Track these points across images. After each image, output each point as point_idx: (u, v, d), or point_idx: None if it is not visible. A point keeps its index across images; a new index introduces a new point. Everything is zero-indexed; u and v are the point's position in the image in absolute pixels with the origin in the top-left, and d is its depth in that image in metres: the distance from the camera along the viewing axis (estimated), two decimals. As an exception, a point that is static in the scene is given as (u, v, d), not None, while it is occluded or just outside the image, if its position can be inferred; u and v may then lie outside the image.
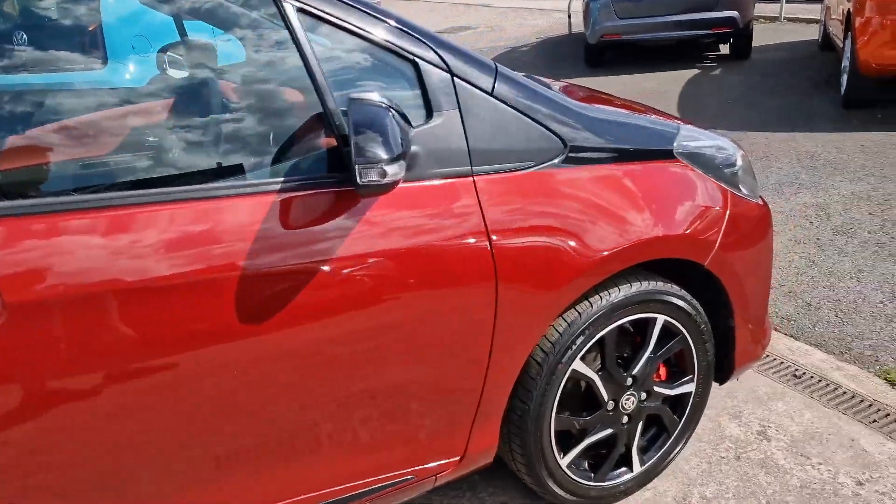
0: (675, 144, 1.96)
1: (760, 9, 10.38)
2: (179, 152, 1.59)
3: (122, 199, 1.33)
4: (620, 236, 1.78)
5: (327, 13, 1.51)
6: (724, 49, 9.42)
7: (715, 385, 2.45)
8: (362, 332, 1.54)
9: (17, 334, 1.23)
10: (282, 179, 1.45)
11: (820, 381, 2.69)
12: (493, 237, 1.63)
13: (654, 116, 2.12)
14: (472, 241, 1.61)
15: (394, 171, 1.33)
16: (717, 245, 1.98)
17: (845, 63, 6.22)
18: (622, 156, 1.85)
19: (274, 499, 1.62)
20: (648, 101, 7.14)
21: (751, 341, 2.21)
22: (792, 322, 3.12)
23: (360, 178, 1.31)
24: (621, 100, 2.42)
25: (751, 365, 2.30)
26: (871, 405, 2.54)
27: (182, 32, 2.21)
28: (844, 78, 6.24)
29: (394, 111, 1.41)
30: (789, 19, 11.21)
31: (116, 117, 1.71)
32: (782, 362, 2.82)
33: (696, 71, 8.42)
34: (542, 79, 2.59)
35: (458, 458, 1.83)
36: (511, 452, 1.96)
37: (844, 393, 2.62)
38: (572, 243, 1.72)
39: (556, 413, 1.93)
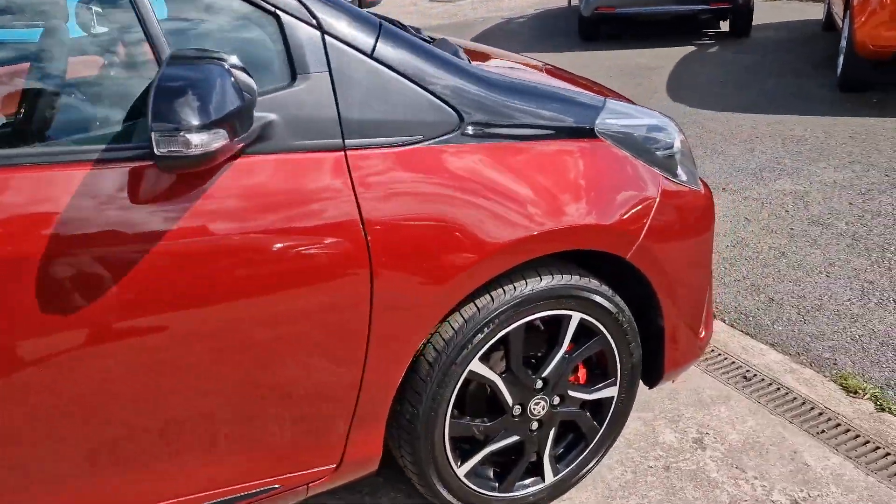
0: (597, 122, 1.73)
1: (765, -14, 10.03)
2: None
3: None
4: (522, 225, 1.57)
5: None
6: (725, 26, 9.09)
7: (658, 386, 2.26)
8: (199, 330, 1.34)
9: None
10: (102, 147, 1.24)
11: (771, 384, 2.49)
12: (368, 221, 1.42)
13: (579, 90, 1.88)
14: (341, 224, 1.40)
15: (202, 140, 1.11)
16: (641, 236, 1.76)
17: (843, 44, 5.93)
18: (530, 133, 1.63)
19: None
20: (636, 78, 6.92)
21: (684, 343, 2.01)
22: (750, 319, 2.91)
23: (158, 147, 1.09)
24: (550, 69, 2.18)
25: (685, 367, 2.10)
26: (821, 413, 2.34)
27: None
28: (841, 59, 5.96)
29: (232, 70, 1.20)
30: (795, -2, 10.86)
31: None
32: (733, 362, 2.62)
33: (692, 48, 8.12)
34: (481, 46, 2.36)
35: (333, 467, 1.63)
36: (402, 459, 1.77)
37: (795, 399, 2.41)
38: (464, 231, 1.51)
39: (453, 417, 1.73)
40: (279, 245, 1.35)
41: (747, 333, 2.82)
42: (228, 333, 1.37)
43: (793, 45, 7.89)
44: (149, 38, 1.25)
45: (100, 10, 1.67)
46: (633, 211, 1.74)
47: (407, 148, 1.48)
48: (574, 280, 1.74)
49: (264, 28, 1.38)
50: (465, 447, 1.84)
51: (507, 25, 10.68)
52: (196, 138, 1.09)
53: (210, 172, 1.28)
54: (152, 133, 1.08)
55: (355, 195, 1.42)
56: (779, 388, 2.47)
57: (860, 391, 2.43)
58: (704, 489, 2.03)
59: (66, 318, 1.22)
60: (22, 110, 1.44)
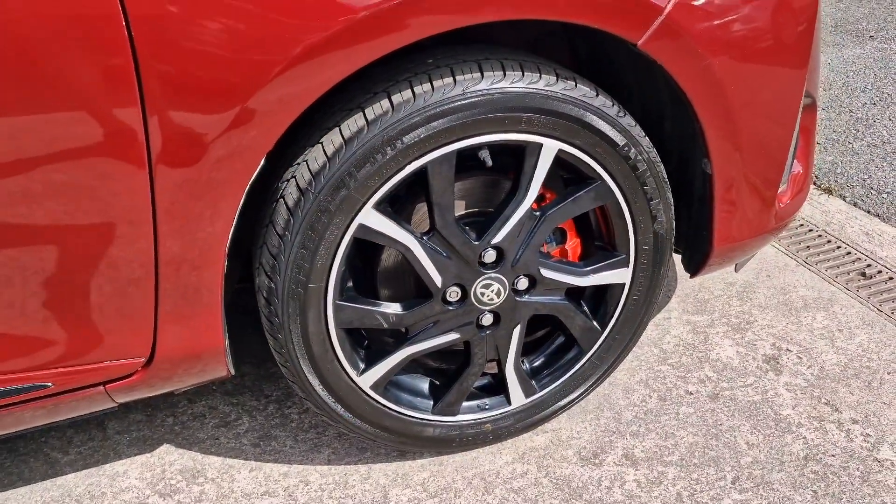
0: None
1: None
2: None
3: None
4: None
5: None
6: None
7: (716, 277, 1.56)
8: None
9: None
10: None
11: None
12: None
13: None
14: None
15: None
16: (668, 6, 1.00)
17: None
18: None
19: None
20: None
21: (750, 206, 1.25)
22: (884, 196, 2.05)
23: None
24: None
25: (752, 247, 1.34)
26: (979, 332, 1.53)
27: None
28: None
29: None
30: None
31: None
32: (850, 252, 1.81)
33: None
34: None
35: (142, 360, 1.06)
36: (276, 358, 1.16)
37: (935, 307, 1.60)
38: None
39: (341, 299, 1.10)
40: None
41: (876, 215, 1.98)
42: None
43: None
44: None
45: None
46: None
47: None
48: (545, 83, 1.03)
49: None
50: (388, 345, 1.22)
51: None
52: None
53: None
54: None
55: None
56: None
57: None
58: (767, 432, 1.31)
59: None
60: None
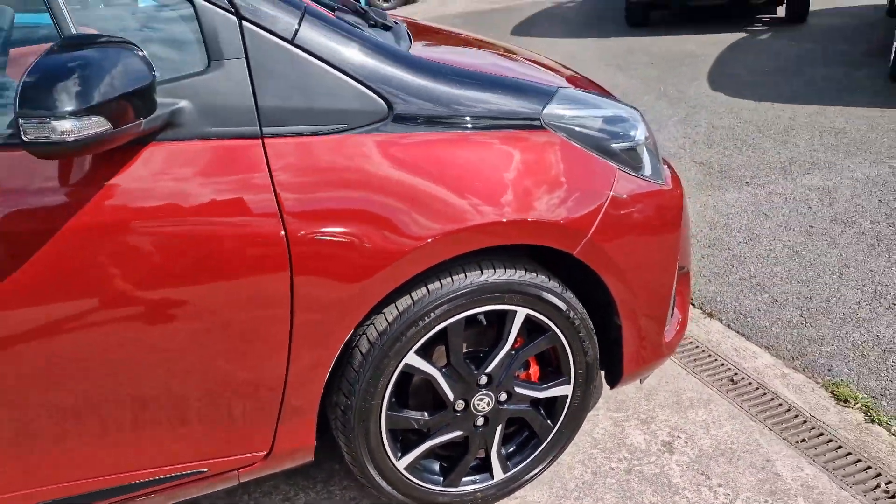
0: (544, 111, 1.67)
1: (828, -31, 9.55)
2: None
3: None
4: (453, 218, 1.53)
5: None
6: (781, 11, 8.71)
7: (638, 383, 2.21)
8: (114, 317, 1.35)
9: None
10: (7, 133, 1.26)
11: (757, 388, 2.39)
12: (287, 212, 1.41)
13: (531, 78, 1.82)
14: (258, 215, 1.39)
15: (74, 127, 1.10)
16: (591, 232, 1.70)
17: (897, 31, 5.62)
18: (467, 122, 1.58)
19: (50, 480, 1.47)
20: (679, 65, 6.70)
21: (646, 342, 1.93)
22: (748, 319, 2.80)
23: (25, 134, 1.09)
24: (511, 54, 2.12)
25: (650, 368, 2.02)
26: (805, 421, 2.24)
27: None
28: (894, 47, 5.64)
29: (126, 55, 1.20)
30: (862, -18, 10.30)
31: None
32: (723, 364, 2.52)
33: (743, 35, 7.81)
34: (447, 29, 2.32)
35: (263, 454, 1.64)
36: (342, 449, 1.76)
37: (780, 405, 2.31)
38: (388, 224, 1.48)
39: (392, 410, 1.71)
40: (192, 235, 1.35)
41: (742, 335, 2.71)
42: (145, 321, 1.38)
43: (851, 33, 7.51)
44: (55, 20, 1.25)
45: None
46: (581, 205, 1.68)
47: (330, 136, 1.45)
48: (518, 275, 1.70)
49: (178, 12, 1.38)
50: (412, 439, 1.82)
51: (557, 10, 10.50)
52: (65, 125, 1.09)
53: (109, 159, 1.28)
54: (18, 119, 1.09)
55: (273, 184, 1.40)
56: (765, 393, 2.37)
57: (851, 400, 2.31)
58: (664, 494, 1.96)
59: None
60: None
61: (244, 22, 1.39)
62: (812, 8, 8.40)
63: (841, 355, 2.55)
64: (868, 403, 2.29)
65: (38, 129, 1.08)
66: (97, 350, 1.37)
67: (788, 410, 2.29)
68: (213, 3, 1.37)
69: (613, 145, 1.77)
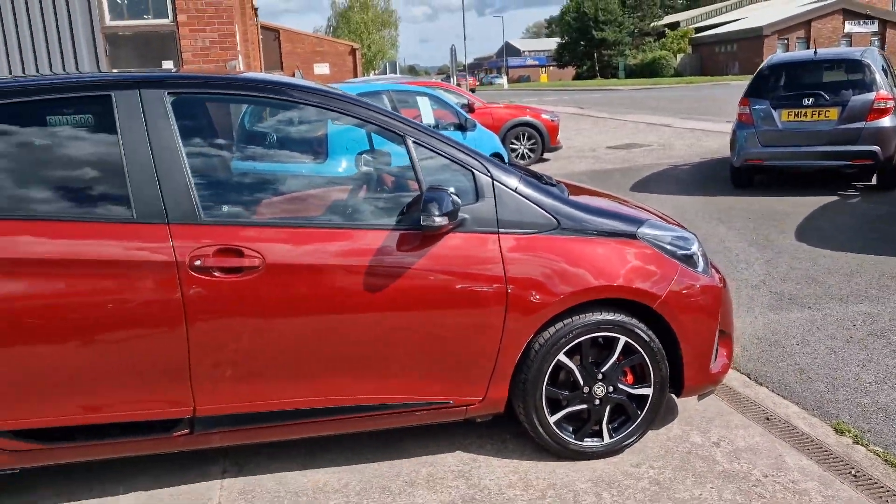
0: (637, 230, 3.19)
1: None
2: (346, 212, 3.17)
3: (329, 223, 2.93)
4: (583, 281, 3.03)
5: (429, 146, 2.98)
6: (875, 179, 9.89)
7: (699, 412, 3.51)
8: (417, 319, 2.94)
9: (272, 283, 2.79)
10: (394, 222, 2.92)
11: (783, 423, 3.62)
12: (508, 274, 2.98)
13: (634, 212, 3.35)
14: (493, 275, 2.96)
15: (441, 221, 2.74)
16: (663, 296, 3.14)
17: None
18: (595, 233, 3.12)
19: (358, 392, 3.00)
20: (772, 220, 8.05)
21: (698, 370, 3.29)
22: (786, 387, 4.03)
23: (422, 221, 2.74)
24: (624, 200, 3.67)
25: (703, 388, 3.36)
26: (811, 440, 3.44)
27: (371, 144, 3.83)
28: (956, 212, 6.74)
29: (450, 193, 2.84)
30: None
31: (329, 190, 3.34)
32: (763, 409, 3.77)
33: (834, 198, 9.05)
34: (584, 186, 3.91)
35: (480, 399, 3.11)
36: (519, 407, 3.19)
37: (795, 430, 3.53)
38: (553, 282, 3.01)
39: (548, 385, 3.15)
40: (462, 279, 2.94)
41: (780, 395, 3.95)
42: (433, 322, 2.95)
43: (935, 199, 8.59)
44: (416, 175, 2.93)
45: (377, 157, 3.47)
46: (657, 282, 3.14)
47: (529, 235, 3.03)
48: (621, 317, 3.15)
49: (466, 175, 3.03)
50: (559, 406, 3.23)
51: (671, 171, 12.10)
52: (438, 220, 2.73)
53: (439, 237, 2.91)
54: (421, 216, 2.74)
55: (503, 259, 2.98)
56: (787, 425, 3.59)
57: (847, 432, 3.50)
58: (708, 464, 3.23)
59: (377, 303, 2.87)
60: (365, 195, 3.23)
61: (494, 181, 3.03)
62: (902, 177, 9.54)
63: (847, 409, 3.74)
64: (857, 434, 3.47)
65: (428, 219, 2.73)
66: (420, 330, 2.94)
67: (801, 434, 3.50)
68: (481, 172, 3.02)
69: (678, 252, 3.25)
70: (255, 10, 26.63)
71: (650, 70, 63.59)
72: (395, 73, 43.24)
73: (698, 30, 68.87)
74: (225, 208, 2.95)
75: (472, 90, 35.24)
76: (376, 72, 57.49)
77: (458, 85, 33.88)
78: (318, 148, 5.91)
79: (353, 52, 37.94)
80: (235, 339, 2.80)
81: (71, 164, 2.80)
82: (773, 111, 9.46)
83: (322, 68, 35.37)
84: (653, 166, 12.66)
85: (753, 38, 55.43)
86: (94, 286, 2.67)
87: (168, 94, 2.83)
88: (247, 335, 2.80)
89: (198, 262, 2.72)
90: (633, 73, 66.73)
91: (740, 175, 10.07)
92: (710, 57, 62.72)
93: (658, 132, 17.87)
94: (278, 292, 2.79)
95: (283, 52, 35.37)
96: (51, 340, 2.66)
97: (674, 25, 74.58)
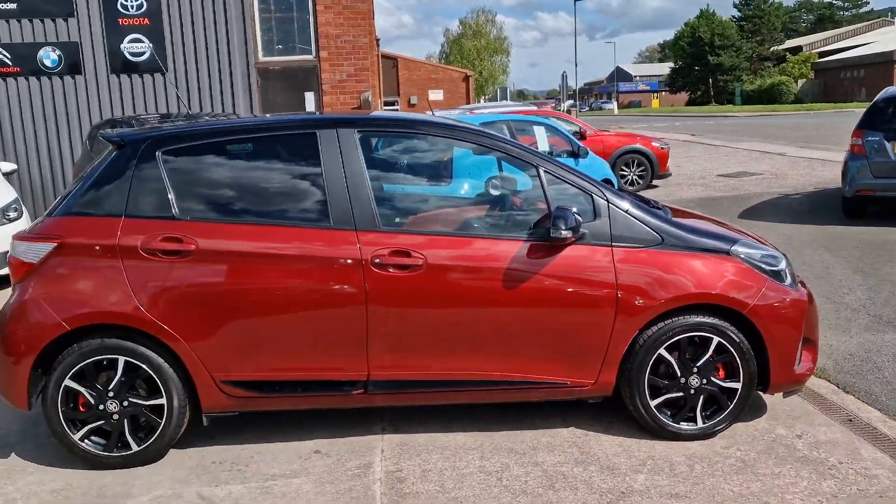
0: (730, 248, 3.79)
1: None
2: (483, 225, 3.95)
3: (467, 233, 3.71)
4: (688, 288, 3.67)
5: (556, 174, 3.72)
6: None
7: (786, 411, 4.05)
8: (556, 309, 3.65)
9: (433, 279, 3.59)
10: (526, 234, 3.67)
11: (865, 424, 4.08)
12: (619, 282, 3.66)
13: (729, 233, 3.95)
14: (606, 281, 3.65)
15: (567, 234, 3.47)
16: (752, 304, 3.72)
17: None
18: (695, 249, 3.74)
19: (492, 370, 3.73)
20: (877, 249, 8.24)
21: (783, 369, 3.83)
22: (871, 395, 4.46)
23: (552, 233, 3.47)
24: (720, 222, 4.27)
25: (788, 386, 3.90)
26: (890, 440, 3.89)
27: (500, 169, 4.61)
28: None
29: (573, 212, 3.55)
30: None
31: (456, 211, 4.15)
32: (846, 412, 4.23)
33: (948, 229, 9.08)
34: (691, 211, 4.53)
35: (592, 382, 3.78)
36: (625, 391, 3.84)
37: (875, 430, 3.98)
38: (655, 289, 3.66)
39: (650, 374, 3.79)
40: (580, 283, 3.64)
41: (865, 402, 4.38)
42: (555, 315, 3.66)
43: None
44: (545, 197, 3.67)
45: (535, 188, 4.23)
46: (748, 291, 3.73)
47: (636, 249, 3.70)
48: (715, 320, 3.75)
49: (586, 198, 3.74)
50: (659, 392, 3.85)
51: (782, 200, 12.25)
52: (565, 233, 3.46)
53: (563, 248, 3.62)
54: (551, 229, 3.47)
55: (614, 267, 3.66)
56: (867, 426, 4.05)
57: (922, 434, 3.92)
58: (790, 450, 3.76)
59: (510, 297, 3.62)
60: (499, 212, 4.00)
61: (610, 204, 3.73)
62: None
63: (926, 416, 4.15)
64: (932, 436, 3.89)
65: (556, 232, 3.46)
66: (544, 321, 3.66)
67: (881, 434, 3.95)
68: (599, 196, 3.72)
69: (766, 268, 3.82)
70: (377, 40, 28.34)
71: (768, 96, 61.87)
72: (506, 99, 44.21)
73: (822, 54, 66.45)
74: (396, 219, 3.80)
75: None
76: (487, 97, 58.85)
77: (568, 112, 34.40)
78: (443, 172, 6.78)
79: (466, 78, 39.30)
80: (401, 320, 3.61)
81: (289, 183, 3.74)
82: (886, 143, 9.60)
83: (436, 94, 36.85)
84: (763, 195, 12.83)
85: (883, 63, 53.06)
86: (302, 274, 3.55)
87: (357, 131, 3.71)
88: (409, 318, 3.61)
89: (377, 260, 3.56)
90: (750, 98, 65.05)
91: (852, 205, 10.19)
92: (833, 82, 60.42)
93: (772, 161, 17.83)
94: (435, 286, 3.59)
95: (401, 79, 37.11)
96: (270, 313, 3.57)
97: (795, 50, 72.24)
